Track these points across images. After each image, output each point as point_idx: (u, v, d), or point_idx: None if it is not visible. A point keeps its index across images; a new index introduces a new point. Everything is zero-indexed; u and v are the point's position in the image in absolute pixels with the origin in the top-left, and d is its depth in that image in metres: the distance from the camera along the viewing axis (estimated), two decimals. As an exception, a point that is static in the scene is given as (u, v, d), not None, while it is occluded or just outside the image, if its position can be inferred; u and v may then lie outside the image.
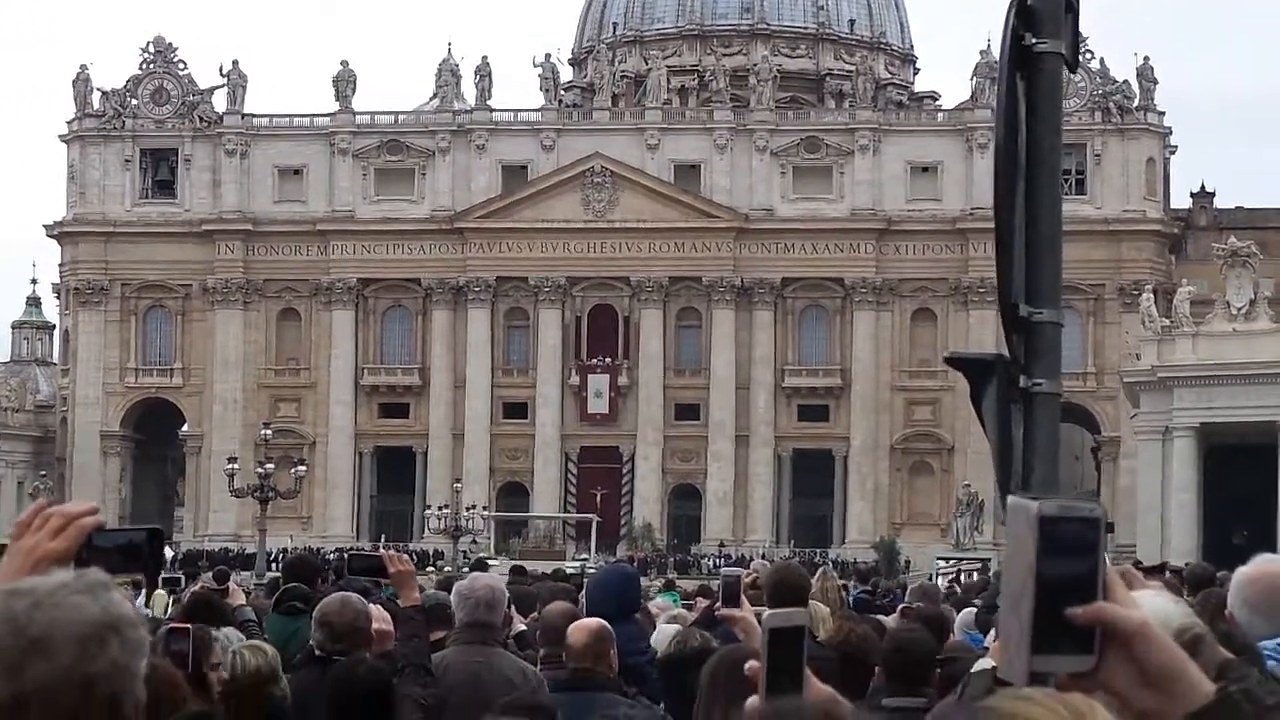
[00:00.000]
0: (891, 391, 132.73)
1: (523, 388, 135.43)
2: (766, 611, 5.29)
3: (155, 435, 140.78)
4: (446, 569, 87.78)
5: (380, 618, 11.31)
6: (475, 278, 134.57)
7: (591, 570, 54.96)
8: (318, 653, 11.16)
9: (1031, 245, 4.92)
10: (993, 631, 12.37)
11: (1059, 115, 4.90)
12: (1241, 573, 6.69)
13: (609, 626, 11.29)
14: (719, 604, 10.30)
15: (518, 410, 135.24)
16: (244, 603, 15.67)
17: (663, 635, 12.40)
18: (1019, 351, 4.97)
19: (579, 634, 11.06)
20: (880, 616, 17.47)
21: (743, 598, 9.85)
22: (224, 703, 9.72)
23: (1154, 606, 4.63)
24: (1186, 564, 33.58)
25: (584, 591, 13.75)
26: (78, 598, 3.54)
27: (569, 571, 44.32)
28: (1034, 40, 4.74)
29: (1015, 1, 4.70)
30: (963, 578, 55.92)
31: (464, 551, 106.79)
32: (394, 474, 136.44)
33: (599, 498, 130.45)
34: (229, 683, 9.98)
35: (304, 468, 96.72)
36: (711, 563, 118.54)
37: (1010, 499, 3.58)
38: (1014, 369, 4.92)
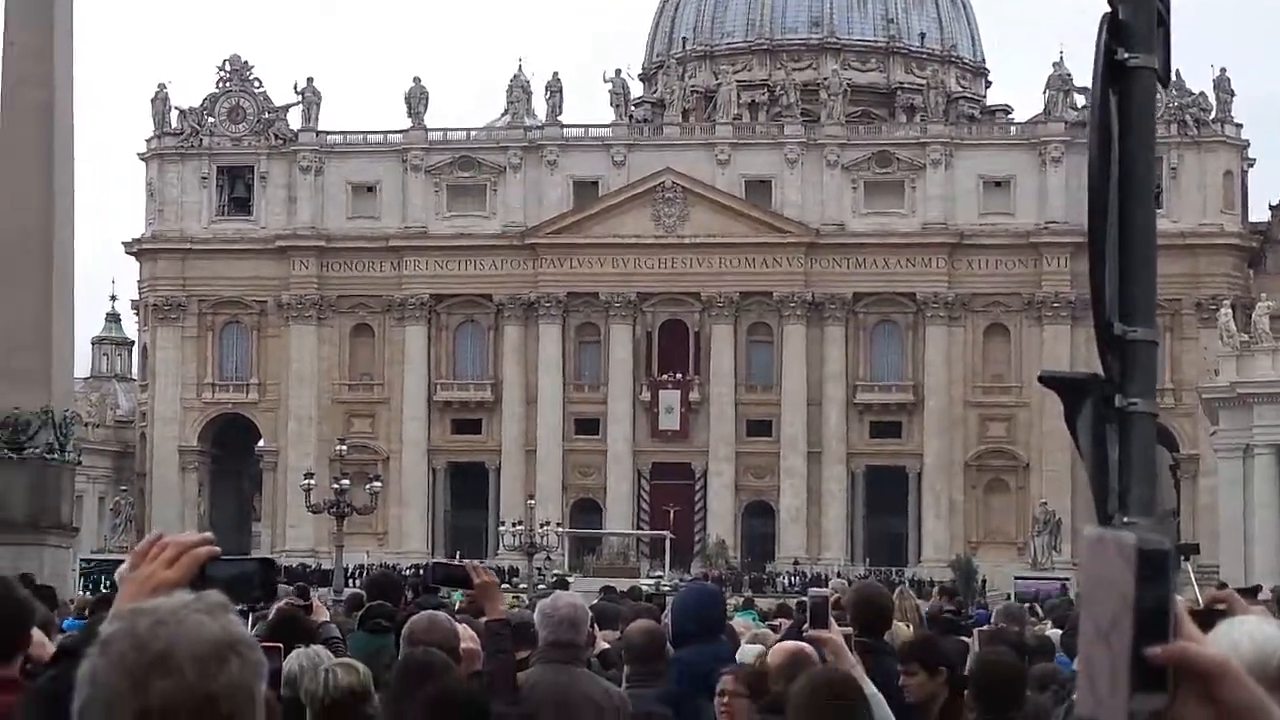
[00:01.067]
0: (965, 407, 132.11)
1: (594, 403, 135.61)
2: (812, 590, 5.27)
3: (232, 450, 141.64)
4: (522, 586, 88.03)
5: (468, 636, 11.31)
6: (546, 293, 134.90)
7: (667, 588, 54.96)
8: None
9: (1125, 263, 4.87)
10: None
11: (1152, 131, 4.85)
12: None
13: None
14: (806, 625, 10.25)
15: (589, 426, 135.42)
16: (328, 619, 15.67)
17: (746, 655, 12.34)
18: (1114, 370, 4.92)
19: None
20: (964, 638, 17.34)
21: (831, 619, 9.80)
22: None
23: (1262, 633, 4.54)
24: (1275, 587, 33.22)
25: (668, 610, 13.71)
26: (199, 616, 3.63)
27: (644, 589, 44.25)
28: (1126, 55, 4.69)
29: (1107, 16, 4.66)
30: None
31: (539, 569, 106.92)
32: (467, 490, 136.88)
33: (672, 514, 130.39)
34: (322, 701, 9.99)
35: (379, 484, 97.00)
36: (787, 580, 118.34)
37: (1094, 530, 3.53)
38: (1109, 388, 4.86)
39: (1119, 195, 4.81)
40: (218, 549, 4.40)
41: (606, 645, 14.48)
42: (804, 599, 11.44)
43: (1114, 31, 4.62)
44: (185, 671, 3.52)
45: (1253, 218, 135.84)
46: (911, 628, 17.25)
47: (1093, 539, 3.37)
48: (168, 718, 3.51)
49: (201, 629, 3.59)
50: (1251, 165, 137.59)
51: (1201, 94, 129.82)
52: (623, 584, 48.64)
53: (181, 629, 3.58)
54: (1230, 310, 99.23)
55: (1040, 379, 5.15)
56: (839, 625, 10.16)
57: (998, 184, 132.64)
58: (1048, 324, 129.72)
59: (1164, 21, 4.75)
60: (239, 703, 3.58)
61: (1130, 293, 4.88)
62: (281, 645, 9.76)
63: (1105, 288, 4.83)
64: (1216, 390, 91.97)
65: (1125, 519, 4.90)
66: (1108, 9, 4.67)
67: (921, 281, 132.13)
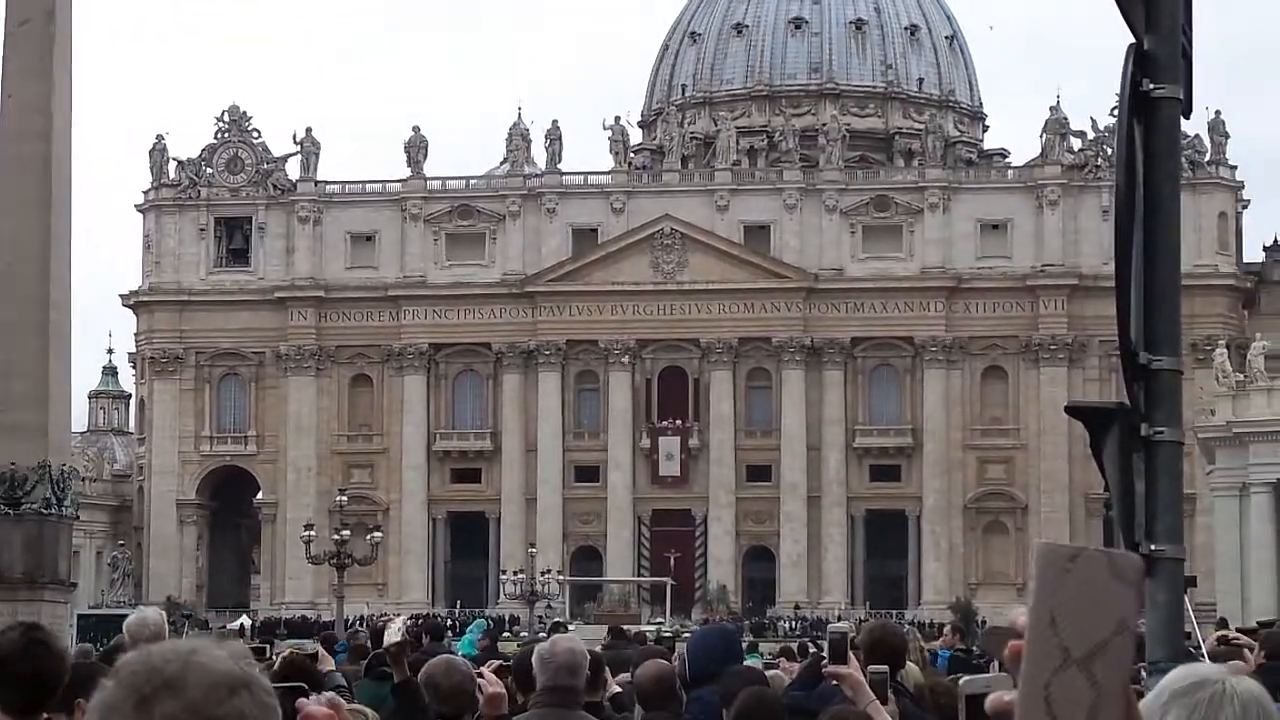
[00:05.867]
0: (963, 450, 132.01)
1: (594, 451, 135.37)
2: (965, 678, 5.28)
3: (230, 503, 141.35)
4: (523, 634, 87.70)
5: (493, 680, 11.25)
6: (545, 341, 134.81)
7: (668, 635, 54.77)
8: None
9: (1150, 292, 4.88)
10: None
11: (1177, 161, 4.87)
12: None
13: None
14: (825, 661, 10.17)
15: (589, 474, 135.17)
16: (333, 667, 15.65)
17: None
18: (1139, 399, 4.92)
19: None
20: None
21: (850, 655, 9.71)
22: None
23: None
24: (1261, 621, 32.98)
25: (685, 651, 13.64)
26: (215, 652, 3.65)
27: (649, 633, 44.08)
28: (1152, 86, 4.71)
29: (1133, 48, 4.68)
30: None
31: (540, 617, 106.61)
32: (467, 539, 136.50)
33: (672, 560, 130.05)
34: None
35: (379, 534, 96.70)
36: (788, 625, 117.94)
37: (1069, 547, 3.17)
38: (1135, 417, 4.86)
39: (1144, 226, 4.82)
40: None
41: (619, 689, 14.38)
42: (805, 640, 11.44)
43: (1140, 63, 4.63)
44: (192, 694, 3.53)
45: (1247, 258, 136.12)
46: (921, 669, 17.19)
47: (1066, 556, 3.04)
48: None
49: (216, 663, 3.60)
50: (1246, 206, 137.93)
51: (1197, 136, 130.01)
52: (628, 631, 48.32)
53: (195, 658, 3.59)
54: (1225, 350, 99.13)
55: (1067, 409, 5.14)
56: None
57: (995, 227, 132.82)
58: (1045, 366, 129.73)
59: (1187, 53, 4.77)
60: None
61: (1155, 322, 4.90)
62: (305, 685, 9.66)
63: (1131, 318, 4.84)
64: (1212, 430, 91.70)
65: (1154, 547, 4.88)
66: (1133, 40, 4.68)
67: (919, 325, 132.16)
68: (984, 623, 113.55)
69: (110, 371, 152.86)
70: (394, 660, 11.40)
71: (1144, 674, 7.33)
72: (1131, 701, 3.09)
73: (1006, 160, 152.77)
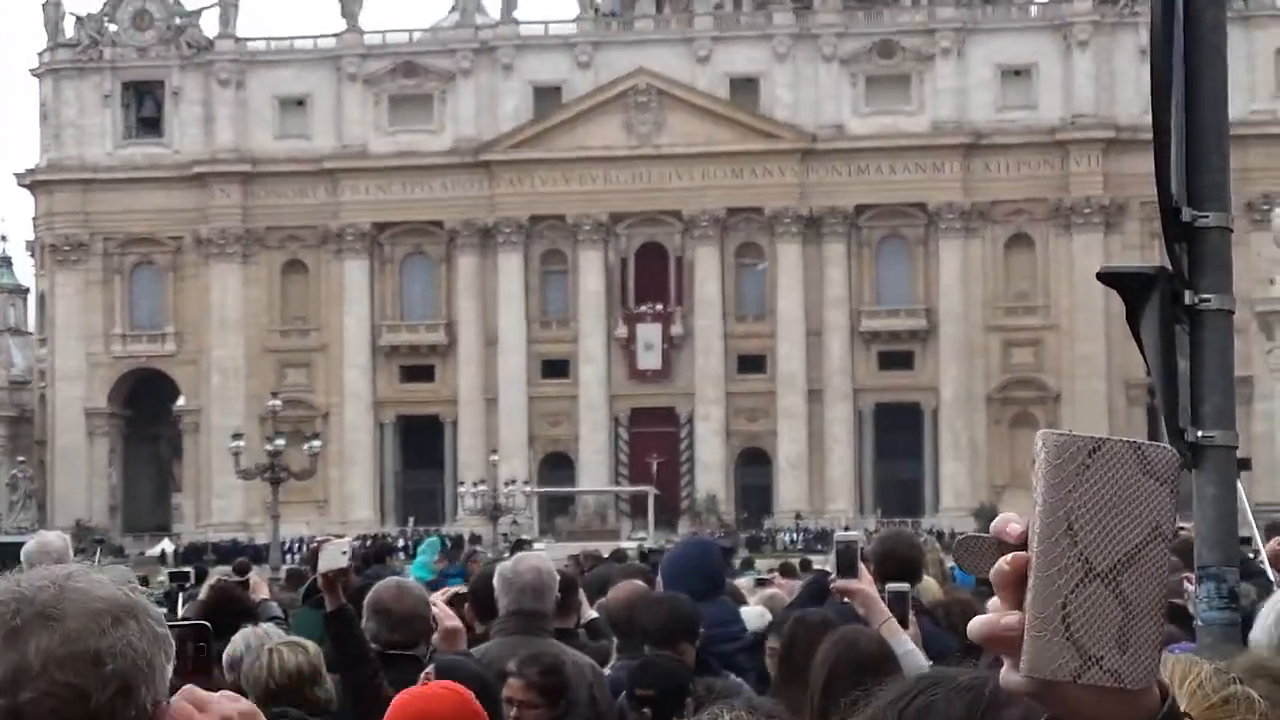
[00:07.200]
0: (985, 332, 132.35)
1: (563, 342, 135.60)
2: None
3: (147, 411, 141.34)
4: (487, 555, 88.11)
5: (447, 615, 11.32)
6: (505, 217, 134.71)
7: (651, 549, 55.02)
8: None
9: (1194, 139, 4.84)
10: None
11: (1223, -16, 4.79)
12: None
13: None
14: (833, 575, 10.14)
15: (558, 368, 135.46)
16: (267, 596, 15.75)
17: (750, 617, 12.34)
18: (1182, 263, 4.89)
19: None
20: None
21: (861, 566, 9.68)
22: (262, 707, 9.70)
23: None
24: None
25: (660, 569, 13.70)
26: (97, 576, 3.61)
27: (628, 550, 44.29)
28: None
29: None
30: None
31: (505, 534, 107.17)
32: (420, 447, 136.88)
33: (654, 466, 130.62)
34: (266, 685, 10.00)
35: (318, 443, 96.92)
36: (788, 538, 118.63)
37: (1089, 438, 3.07)
38: (1177, 283, 4.83)
39: (1185, 62, 4.77)
40: None
41: (594, 614, 14.45)
42: (806, 556, 11.46)
43: None
44: (70, 625, 3.48)
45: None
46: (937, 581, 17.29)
47: (1084, 449, 2.92)
48: (47, 673, 3.46)
49: (97, 588, 3.56)
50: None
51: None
52: (604, 547, 48.70)
53: (72, 584, 3.55)
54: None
55: (1099, 276, 5.09)
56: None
57: (1017, 74, 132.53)
58: (1078, 232, 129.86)
59: None
60: (130, 667, 3.51)
61: (1200, 174, 4.87)
62: (209, 624, 9.65)
63: (1171, 169, 4.80)
64: (1273, 302, 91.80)
65: (1201, 433, 4.85)
66: None
67: (933, 189, 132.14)
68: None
69: (4, 262, 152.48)
70: (326, 587, 11.41)
71: (1186, 585, 7.30)
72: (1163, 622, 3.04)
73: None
